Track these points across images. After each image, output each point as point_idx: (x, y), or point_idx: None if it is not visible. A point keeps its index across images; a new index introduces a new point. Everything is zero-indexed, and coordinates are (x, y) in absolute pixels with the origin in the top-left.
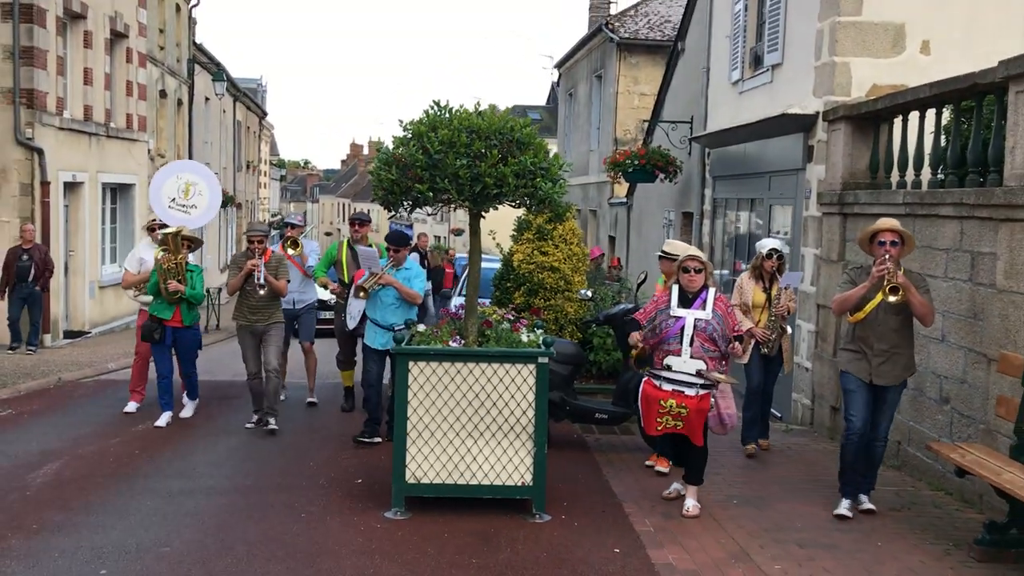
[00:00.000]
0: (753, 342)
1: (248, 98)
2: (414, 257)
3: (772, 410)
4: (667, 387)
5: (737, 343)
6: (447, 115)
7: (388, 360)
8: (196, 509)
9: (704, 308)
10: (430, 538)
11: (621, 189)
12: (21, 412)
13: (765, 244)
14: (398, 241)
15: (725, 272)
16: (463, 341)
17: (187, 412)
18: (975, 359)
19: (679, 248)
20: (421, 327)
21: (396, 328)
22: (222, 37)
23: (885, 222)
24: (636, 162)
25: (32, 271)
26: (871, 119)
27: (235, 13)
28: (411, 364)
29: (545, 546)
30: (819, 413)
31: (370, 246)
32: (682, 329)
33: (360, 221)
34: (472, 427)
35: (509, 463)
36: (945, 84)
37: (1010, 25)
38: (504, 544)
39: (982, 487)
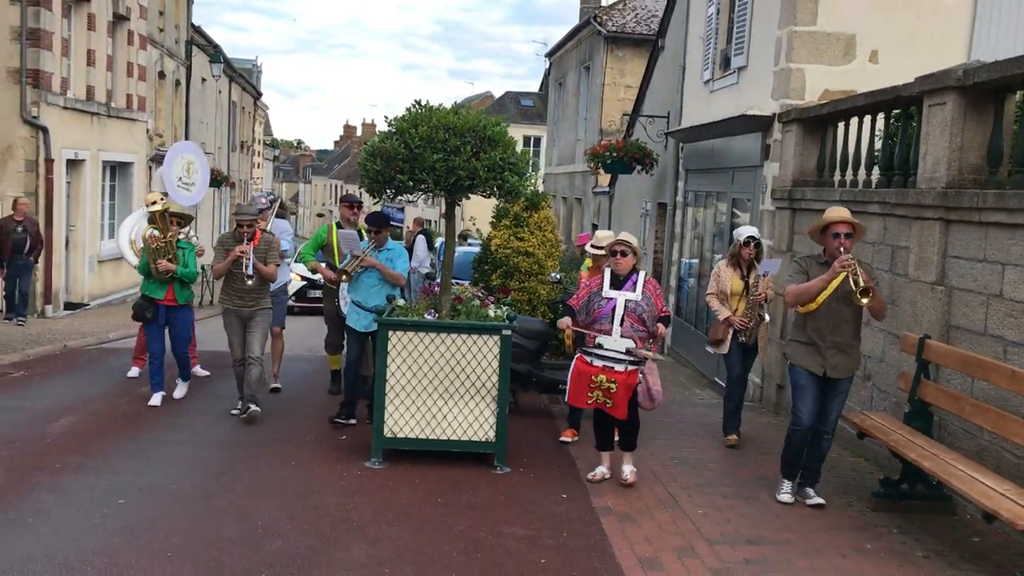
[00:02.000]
0: (731, 331)
1: (243, 79)
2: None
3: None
4: (598, 363)
5: (662, 325)
6: (427, 113)
7: (370, 342)
8: (199, 457)
9: (634, 290)
10: (404, 483)
11: (605, 179)
12: (33, 374)
13: (743, 232)
14: (378, 222)
15: (695, 260)
16: (437, 315)
17: (179, 393)
18: (891, 340)
19: (605, 239)
20: (401, 301)
21: (378, 310)
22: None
23: (838, 212)
24: (615, 154)
25: (27, 243)
26: (819, 122)
27: None
28: (391, 333)
29: (503, 491)
30: (767, 391)
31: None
32: (613, 309)
33: (352, 203)
34: (443, 389)
35: (475, 421)
36: (876, 95)
37: (953, 36)
38: (468, 489)
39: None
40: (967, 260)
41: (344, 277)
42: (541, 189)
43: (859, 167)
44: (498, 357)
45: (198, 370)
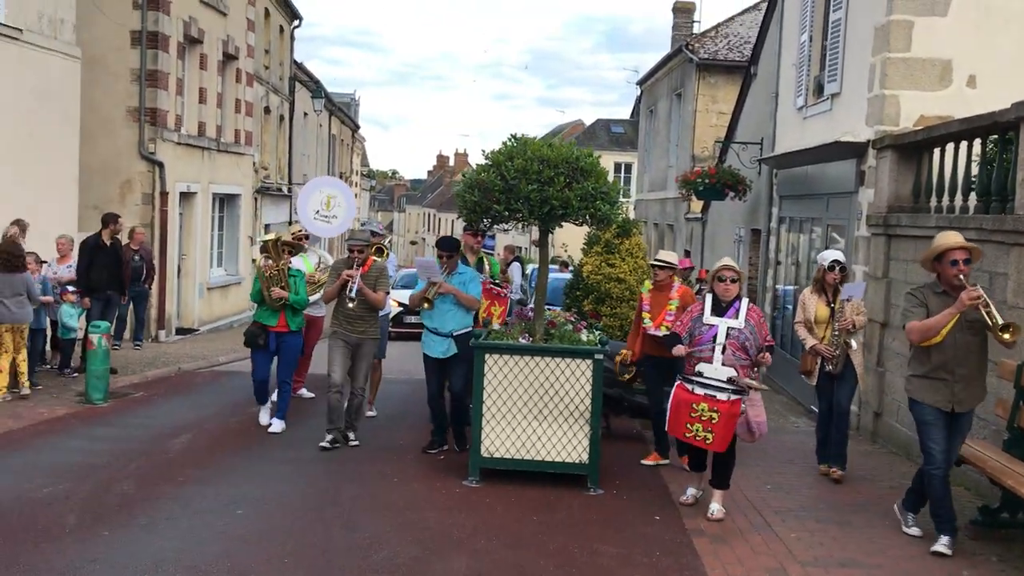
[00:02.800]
0: (820, 360)
1: (342, 112)
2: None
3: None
4: (699, 391)
5: (767, 352)
6: (522, 146)
7: (449, 368)
8: (305, 472)
9: (737, 317)
10: (500, 500)
11: (697, 205)
12: (151, 394)
13: (827, 256)
14: (449, 247)
15: (789, 287)
16: (531, 339)
17: (276, 428)
18: (990, 367)
19: (671, 257)
20: (496, 326)
21: (456, 334)
22: (315, 47)
23: (954, 239)
24: (707, 180)
25: (144, 271)
26: (914, 148)
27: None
28: (487, 356)
29: (596, 511)
30: (864, 419)
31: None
32: (715, 337)
33: (476, 231)
34: (537, 411)
35: (569, 443)
36: (972, 120)
37: None
38: (562, 508)
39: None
40: None
41: (426, 305)
42: (632, 216)
43: (955, 193)
44: (591, 380)
45: (303, 392)
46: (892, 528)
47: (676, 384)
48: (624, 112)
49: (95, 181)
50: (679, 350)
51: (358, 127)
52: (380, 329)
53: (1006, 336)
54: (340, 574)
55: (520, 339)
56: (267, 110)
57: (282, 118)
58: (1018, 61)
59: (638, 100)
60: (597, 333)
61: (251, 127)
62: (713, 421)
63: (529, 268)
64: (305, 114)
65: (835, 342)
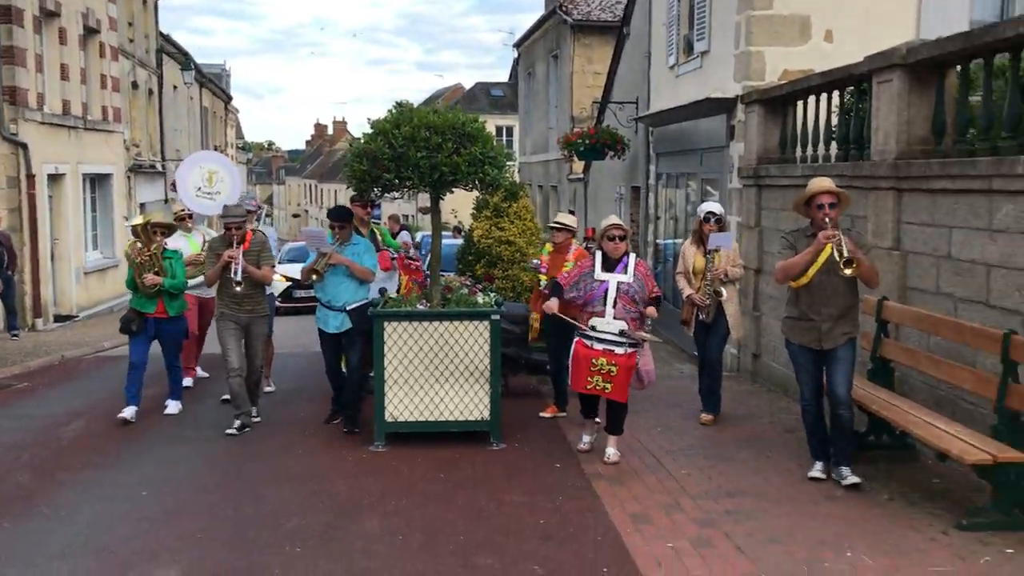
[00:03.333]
0: (695, 309)
1: (213, 84)
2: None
3: None
4: (598, 346)
5: (652, 306)
6: (409, 114)
7: (344, 342)
8: (209, 451)
9: (626, 272)
10: (406, 462)
11: (579, 166)
12: (36, 384)
13: (703, 208)
14: (341, 217)
15: (669, 241)
16: (428, 304)
17: (172, 410)
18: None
19: (569, 219)
20: (393, 294)
21: (350, 307)
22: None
23: (821, 184)
24: (587, 141)
25: (5, 257)
26: (779, 102)
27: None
28: (386, 324)
29: (500, 464)
30: (744, 360)
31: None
32: (606, 292)
33: (366, 202)
34: (439, 374)
35: (470, 402)
36: (830, 74)
37: (903, 15)
38: (467, 464)
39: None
40: (918, 225)
41: (315, 277)
42: (517, 179)
43: (818, 143)
44: (489, 341)
45: (199, 372)
46: (774, 460)
47: (575, 340)
48: (502, 75)
49: None
50: (550, 306)
51: (231, 98)
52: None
53: (848, 271)
54: (253, 545)
55: (418, 305)
56: (135, 85)
57: (151, 92)
58: (871, 15)
59: (515, 63)
60: (492, 295)
61: (119, 103)
62: (612, 374)
63: (419, 235)
64: (175, 87)
65: (707, 291)
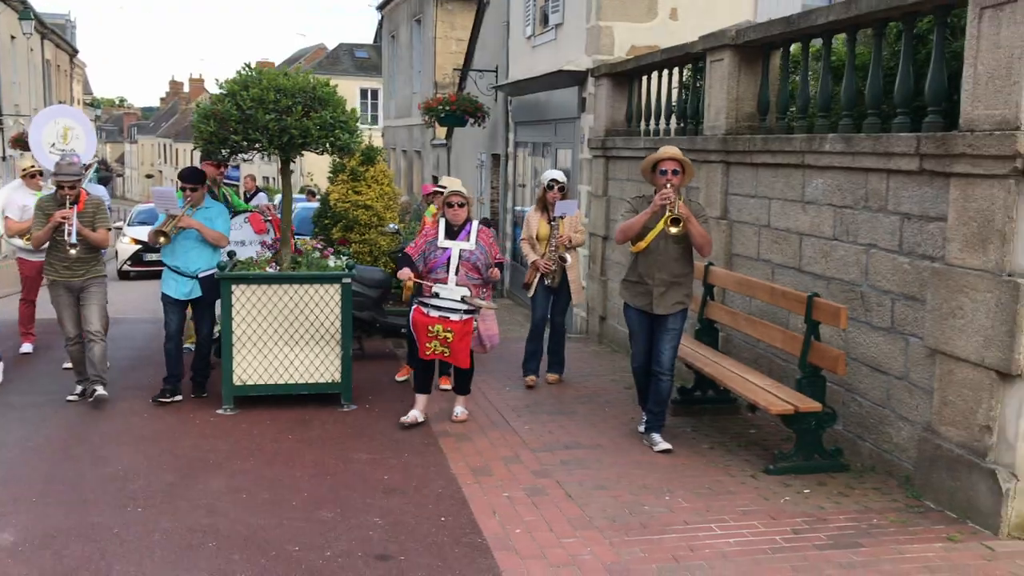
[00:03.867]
0: (538, 275)
1: (57, 35)
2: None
3: None
4: (434, 313)
5: (496, 269)
6: (257, 75)
7: (191, 310)
8: (49, 416)
9: (468, 239)
10: (256, 424)
11: (442, 132)
12: None
13: (547, 176)
14: (193, 178)
15: (528, 208)
16: (279, 267)
17: None
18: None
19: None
20: (242, 257)
21: (201, 275)
22: None
23: (666, 150)
24: (448, 108)
25: None
26: (626, 76)
27: None
28: (234, 287)
29: (350, 425)
30: (591, 323)
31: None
32: (449, 259)
33: (219, 162)
34: (288, 337)
35: (321, 364)
36: (670, 51)
37: None
38: (317, 425)
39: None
40: (743, 196)
41: (162, 239)
42: (382, 143)
43: (660, 117)
44: (340, 304)
45: (26, 347)
46: (611, 414)
47: (413, 307)
48: (367, 36)
49: None
50: (403, 274)
51: (76, 51)
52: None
53: (673, 229)
54: (93, 507)
55: (268, 269)
56: None
57: None
58: None
59: (380, 25)
60: (344, 259)
61: None
62: (449, 340)
63: (277, 199)
64: (12, 37)
65: (552, 257)
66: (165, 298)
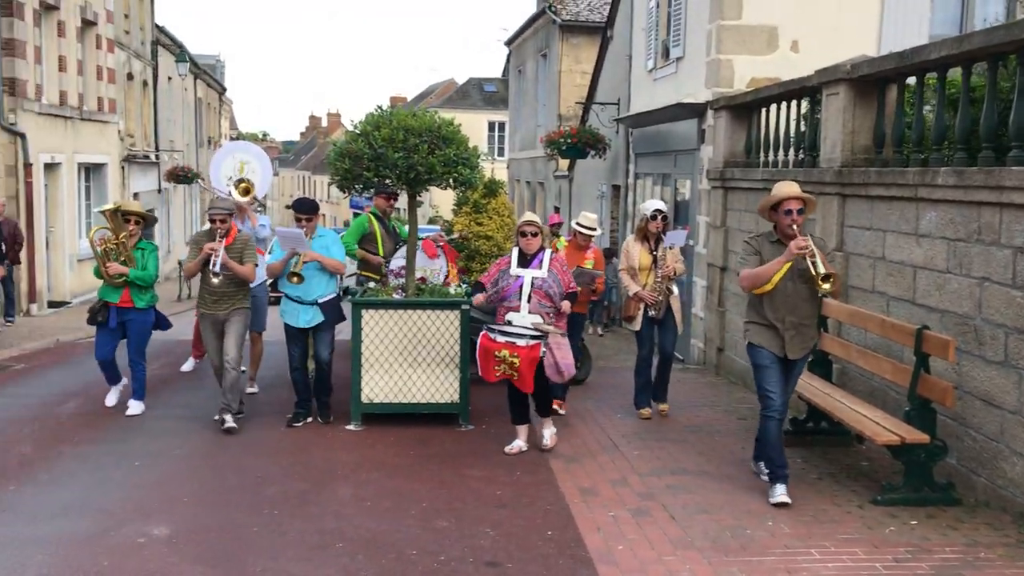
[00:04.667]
0: (642, 306)
1: (207, 75)
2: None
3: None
4: (500, 339)
5: (567, 301)
6: (388, 116)
7: (312, 338)
8: (196, 428)
9: (541, 267)
10: (380, 439)
11: (564, 163)
12: (32, 366)
13: (649, 205)
14: (308, 209)
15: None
16: (404, 294)
17: (134, 410)
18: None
19: (591, 219)
20: (372, 284)
21: (321, 301)
22: (174, 2)
23: (788, 189)
24: (569, 140)
25: (2, 245)
26: (745, 109)
27: None
28: (363, 312)
29: (466, 444)
30: (709, 354)
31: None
32: (521, 287)
33: (389, 194)
34: (412, 359)
35: (441, 386)
36: (788, 84)
37: (866, 27)
38: (435, 443)
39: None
40: (858, 229)
41: (295, 280)
42: (506, 174)
43: (779, 149)
44: (459, 329)
45: (187, 365)
46: (720, 443)
47: (482, 333)
48: (496, 70)
49: None
50: (477, 300)
51: (225, 89)
52: (259, 300)
53: (826, 286)
54: (235, 508)
55: (394, 295)
56: (130, 76)
57: (145, 84)
58: (835, 27)
59: (508, 60)
60: (464, 287)
61: (114, 94)
62: (515, 365)
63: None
64: (169, 79)
65: (657, 288)
66: (288, 329)
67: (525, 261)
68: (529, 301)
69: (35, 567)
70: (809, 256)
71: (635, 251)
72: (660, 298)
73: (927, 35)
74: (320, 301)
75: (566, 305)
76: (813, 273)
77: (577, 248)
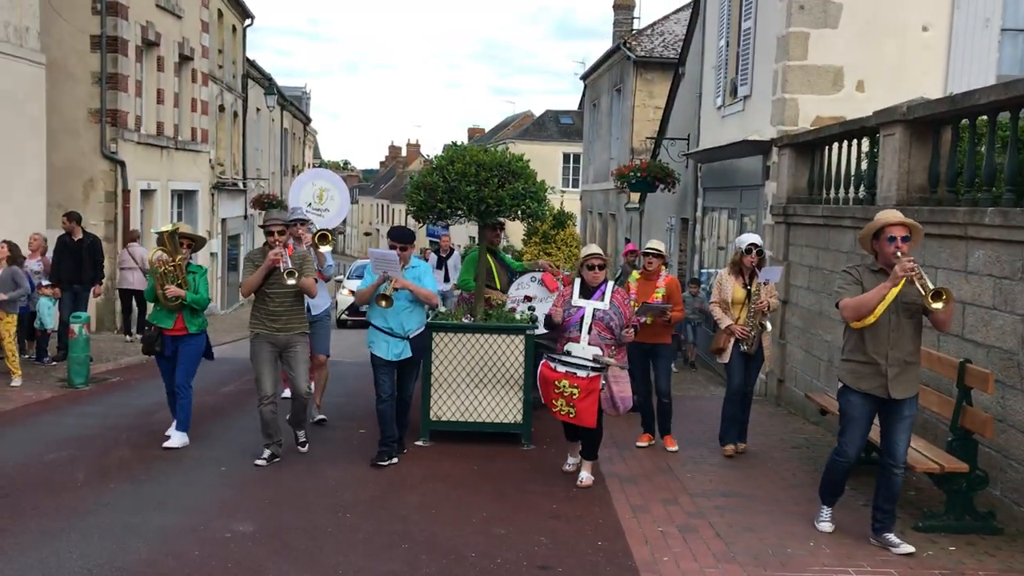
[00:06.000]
0: (733, 340)
1: (293, 106)
2: (432, 259)
3: None
4: (561, 368)
5: (631, 331)
6: (461, 151)
7: (402, 371)
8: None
9: (602, 299)
10: (447, 455)
11: (636, 196)
12: (129, 379)
13: (745, 239)
14: (403, 238)
15: (713, 270)
16: (473, 318)
17: (174, 442)
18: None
19: (661, 246)
20: (442, 308)
21: (412, 334)
22: (262, 37)
23: (891, 215)
24: (639, 174)
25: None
26: (807, 147)
27: (274, 16)
28: (435, 334)
29: (528, 461)
30: (769, 385)
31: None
32: (582, 318)
33: (495, 226)
34: (478, 380)
35: (506, 407)
36: (848, 124)
37: (932, 67)
38: (499, 460)
39: None
40: None
41: (383, 303)
42: (579, 205)
43: (839, 186)
44: (523, 353)
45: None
46: (772, 469)
47: (542, 362)
48: (573, 101)
49: (59, 180)
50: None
51: (309, 120)
52: (322, 325)
53: (938, 305)
54: (313, 511)
55: (464, 319)
56: (221, 108)
57: (236, 115)
58: (899, 67)
59: (583, 93)
60: (530, 313)
61: (207, 125)
62: (574, 397)
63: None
64: (258, 110)
65: (751, 323)
66: (376, 360)
67: (587, 292)
68: (590, 332)
69: (135, 552)
70: (917, 278)
71: (728, 284)
72: (753, 333)
73: (994, 75)
74: (411, 335)
75: (629, 334)
76: (923, 292)
77: (647, 279)
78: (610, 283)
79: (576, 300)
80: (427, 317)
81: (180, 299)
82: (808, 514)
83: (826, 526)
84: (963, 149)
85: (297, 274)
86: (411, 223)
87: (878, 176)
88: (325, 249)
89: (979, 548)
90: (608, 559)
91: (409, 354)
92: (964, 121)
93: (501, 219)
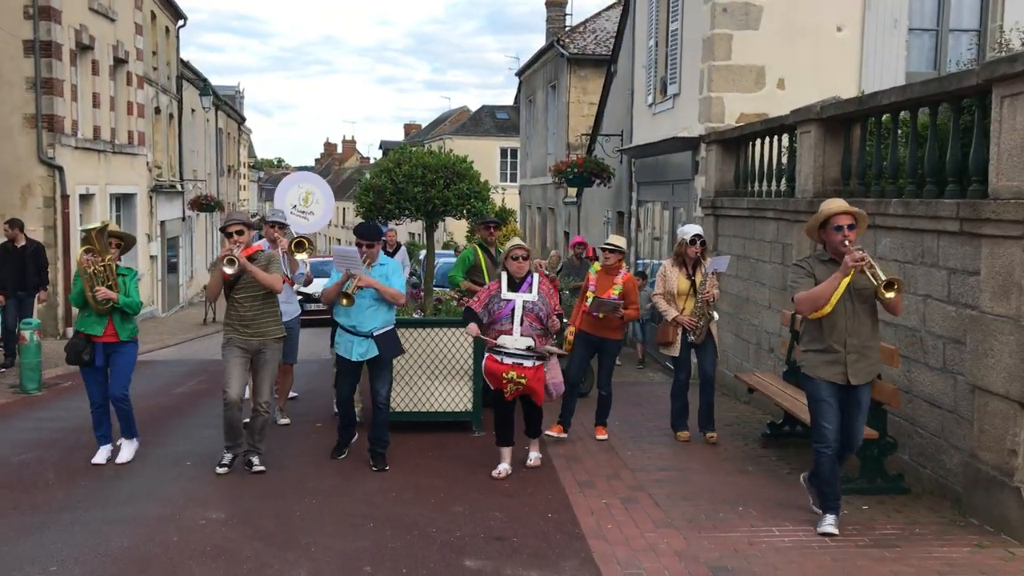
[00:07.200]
0: (680, 331)
1: (228, 106)
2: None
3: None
4: (508, 361)
5: (556, 319)
6: (408, 154)
7: (370, 371)
8: None
9: (531, 291)
10: (402, 444)
11: (573, 191)
12: (79, 383)
13: (688, 230)
14: (369, 235)
15: (649, 261)
16: (423, 314)
17: (125, 456)
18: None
19: (620, 242)
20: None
21: (376, 333)
22: (191, 33)
23: (836, 205)
24: (575, 170)
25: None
26: (733, 143)
27: (203, 12)
28: None
29: (479, 446)
30: (720, 374)
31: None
32: (512, 310)
33: (490, 224)
34: (430, 372)
35: (456, 396)
36: (769, 122)
37: (846, 66)
38: (452, 446)
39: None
40: None
41: (344, 301)
42: (518, 200)
43: (763, 180)
44: (472, 345)
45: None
46: (706, 446)
47: (487, 355)
48: (509, 96)
49: None
50: (471, 329)
51: (244, 119)
52: (292, 332)
53: (889, 294)
54: (280, 498)
55: (414, 315)
56: (157, 110)
57: (171, 116)
58: (817, 66)
59: (519, 89)
60: None
61: (143, 128)
62: (522, 386)
63: (422, 254)
64: (193, 111)
65: (698, 313)
66: (340, 361)
67: (515, 285)
68: (521, 324)
69: (117, 540)
70: (868, 267)
71: (672, 276)
72: (700, 323)
73: (903, 72)
74: (376, 333)
75: (556, 323)
76: (875, 283)
77: (607, 272)
78: (535, 275)
79: (506, 294)
80: (394, 315)
81: (112, 302)
82: (740, 482)
83: (830, 528)
84: (871, 145)
85: (236, 262)
86: (351, 221)
87: (797, 170)
88: (300, 257)
89: (889, 506)
90: (557, 528)
91: (375, 353)
92: (872, 119)
93: (495, 219)
